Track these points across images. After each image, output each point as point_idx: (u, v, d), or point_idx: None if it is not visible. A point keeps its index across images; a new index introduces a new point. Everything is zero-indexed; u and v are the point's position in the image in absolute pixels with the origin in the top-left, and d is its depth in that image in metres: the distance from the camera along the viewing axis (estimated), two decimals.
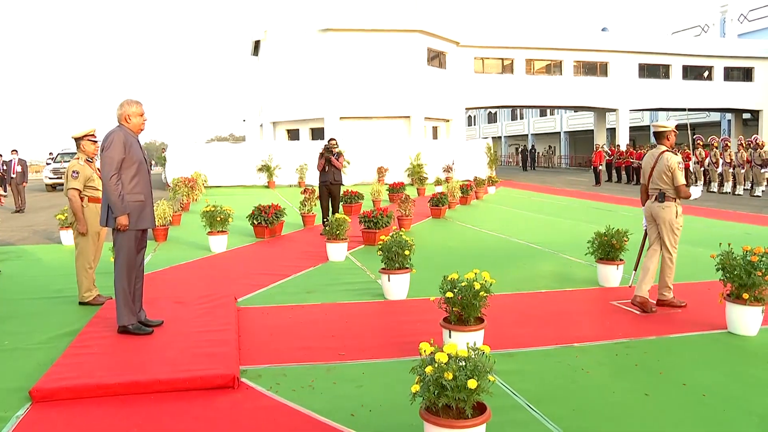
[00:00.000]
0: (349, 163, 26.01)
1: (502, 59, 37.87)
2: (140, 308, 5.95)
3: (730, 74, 41.53)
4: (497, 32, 37.34)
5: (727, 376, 4.96)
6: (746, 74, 41.69)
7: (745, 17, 43.91)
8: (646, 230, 7.22)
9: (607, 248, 7.87)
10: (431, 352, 3.37)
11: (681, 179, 6.80)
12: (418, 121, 32.47)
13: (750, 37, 42.93)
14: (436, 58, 34.33)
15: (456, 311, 5.03)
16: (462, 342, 4.66)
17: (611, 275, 7.95)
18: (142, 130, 5.95)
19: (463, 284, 4.96)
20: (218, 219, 11.11)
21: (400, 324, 6.32)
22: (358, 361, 5.24)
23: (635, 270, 7.46)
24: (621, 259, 7.99)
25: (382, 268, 7.37)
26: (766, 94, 41.33)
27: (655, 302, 6.93)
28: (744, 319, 5.94)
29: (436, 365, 3.26)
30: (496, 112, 71.41)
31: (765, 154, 20.98)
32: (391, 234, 7.43)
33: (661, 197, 6.88)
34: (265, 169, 26.47)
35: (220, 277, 8.72)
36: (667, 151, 6.96)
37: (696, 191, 7.07)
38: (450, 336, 5.00)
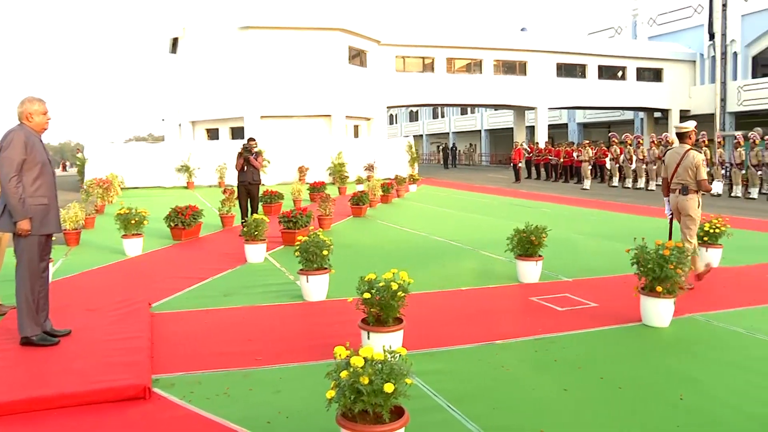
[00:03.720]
0: (269, 162, 25.74)
1: (423, 58, 38.15)
2: (45, 318, 5.64)
3: (642, 75, 43.14)
4: (418, 31, 37.59)
5: (642, 368, 5.08)
6: (656, 75, 43.41)
7: (654, 21, 45.71)
8: (671, 218, 8.20)
9: (526, 245, 7.96)
10: (347, 356, 3.28)
11: (704, 174, 7.73)
12: (339, 119, 32.35)
13: (659, 40, 44.71)
14: (357, 56, 34.30)
15: (374, 312, 4.96)
16: (381, 343, 4.60)
17: (530, 271, 8.06)
18: (45, 129, 5.63)
19: (380, 285, 4.89)
20: (133, 221, 10.74)
21: (319, 326, 6.22)
22: (276, 365, 5.11)
23: None
24: (540, 255, 8.11)
25: (301, 269, 7.24)
26: (674, 94, 43.14)
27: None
28: (657, 311, 6.11)
29: (352, 370, 3.17)
30: (417, 111, 72.01)
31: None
32: (309, 234, 7.31)
33: (684, 190, 7.79)
34: (185, 169, 25.85)
35: (134, 282, 8.40)
36: (692, 149, 7.85)
37: (717, 185, 7.64)
38: (368, 337, 4.93)
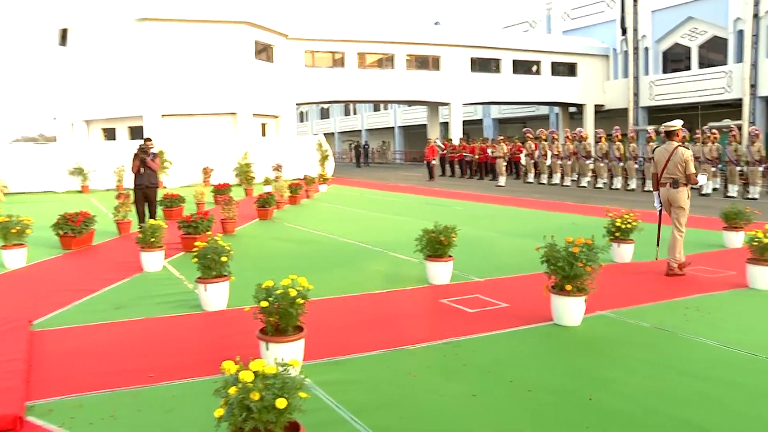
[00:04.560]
0: (171, 163, 25.12)
1: (333, 53, 38.06)
2: None
3: (557, 69, 44.38)
4: (327, 25, 37.46)
5: (553, 369, 5.18)
6: (570, 70, 44.76)
7: (568, 15, 47.14)
8: (660, 211, 9.23)
9: (436, 245, 8.00)
10: (236, 371, 3.17)
11: (692, 169, 8.72)
12: (245, 117, 31.84)
13: (573, 35, 46.17)
14: (264, 51, 33.85)
15: (273, 321, 4.85)
16: (281, 354, 4.51)
17: (440, 272, 8.11)
18: None
19: (278, 292, 4.79)
20: (14, 230, 10.21)
21: (218, 338, 6.06)
22: (170, 382, 4.94)
23: (657, 246, 9.54)
24: (450, 256, 8.16)
25: (199, 278, 7.05)
26: (588, 88, 44.61)
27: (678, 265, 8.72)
28: (568, 309, 6.25)
29: (241, 385, 3.07)
30: (328, 108, 71.85)
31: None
32: (207, 239, 7.11)
33: (675, 184, 8.73)
34: (78, 172, 24.88)
35: (14, 298, 7.96)
36: (680, 146, 8.79)
37: (702, 178, 9.94)
38: (267, 348, 4.82)
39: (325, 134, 38.98)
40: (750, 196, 20.60)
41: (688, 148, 8.92)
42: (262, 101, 33.12)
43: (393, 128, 62.21)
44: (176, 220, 12.91)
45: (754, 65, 34.99)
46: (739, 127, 28.28)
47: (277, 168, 27.16)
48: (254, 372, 3.11)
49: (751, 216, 10.90)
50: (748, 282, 7.97)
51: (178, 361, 5.42)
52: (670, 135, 8.96)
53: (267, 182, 22.57)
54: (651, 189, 22.64)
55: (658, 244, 9.55)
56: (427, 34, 40.91)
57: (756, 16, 34.72)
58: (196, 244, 7.11)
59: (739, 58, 35.86)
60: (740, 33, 35.84)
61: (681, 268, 8.75)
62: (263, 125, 34.75)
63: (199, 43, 30.77)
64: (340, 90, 38.30)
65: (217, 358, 5.33)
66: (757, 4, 34.62)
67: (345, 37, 37.49)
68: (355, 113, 68.34)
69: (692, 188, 9.05)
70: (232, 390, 3.08)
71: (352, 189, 26.10)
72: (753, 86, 35.04)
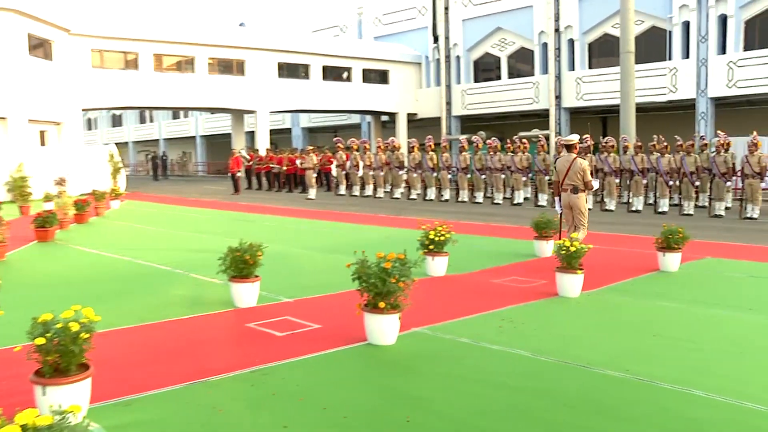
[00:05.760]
0: None
1: (126, 53, 36.46)
2: None
3: (368, 76, 45.49)
4: (118, 21, 35.76)
5: (368, 392, 5.24)
6: (382, 77, 46.08)
7: (380, 21, 48.55)
8: (561, 214, 11.24)
9: (241, 265, 7.85)
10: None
11: (589, 177, 10.91)
12: (18, 123, 29.64)
13: (385, 41, 47.58)
14: (40, 47, 31.76)
15: (51, 361, 4.49)
16: (62, 398, 4.19)
17: (246, 294, 7.96)
18: None
19: (58, 326, 4.44)
20: None
21: None
22: None
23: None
24: (256, 276, 8.03)
25: None
26: (400, 97, 46.15)
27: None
28: (381, 328, 6.36)
29: None
30: (121, 114, 68.94)
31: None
32: None
33: (575, 190, 10.77)
34: None
35: None
36: (578, 157, 10.94)
37: (596, 183, 12.53)
38: (44, 393, 4.43)
39: (117, 144, 37.16)
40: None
41: (584, 158, 11.39)
42: (40, 105, 31.03)
43: (194, 137, 60.83)
44: None
45: (558, 77, 38.12)
46: (547, 137, 30.47)
47: (61, 182, 25.51)
48: (22, 426, 2.82)
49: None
50: (558, 290, 8.58)
51: None
52: (569, 148, 11.01)
53: (48, 198, 21.15)
54: (466, 200, 24.12)
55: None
56: (231, 36, 40.41)
57: (557, 30, 37.94)
58: None
59: (545, 70, 38.86)
60: (545, 45, 38.86)
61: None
62: (42, 133, 32.57)
63: None
64: (134, 95, 36.77)
65: None
66: (557, 19, 37.85)
67: (139, 35, 36.06)
68: (151, 121, 66.10)
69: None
70: None
71: (150, 205, 25.17)
72: (558, 97, 38.16)
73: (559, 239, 10.40)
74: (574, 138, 11.20)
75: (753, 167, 18.24)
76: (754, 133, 19.04)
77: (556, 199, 11.28)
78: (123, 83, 35.99)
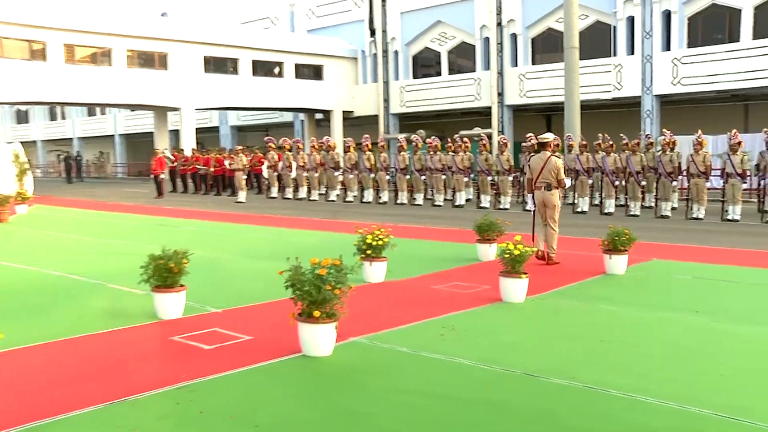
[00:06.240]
0: None
1: (31, 42, 35.31)
2: None
3: (301, 72, 45.19)
4: (21, 5, 34.63)
5: (304, 406, 5.23)
6: (316, 73, 45.87)
7: (314, 13, 48.31)
8: (533, 212, 11.79)
9: (164, 273, 7.74)
10: None
11: (563, 175, 11.55)
12: None
13: (319, 34, 47.34)
14: None
15: None
16: None
17: (170, 305, 7.86)
18: None
19: None
20: None
21: None
22: None
23: (533, 242, 11.28)
24: (182, 285, 7.93)
25: None
26: (336, 93, 46.01)
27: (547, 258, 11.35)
28: (317, 338, 6.34)
29: None
30: (27, 110, 67.24)
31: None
32: None
33: (548, 187, 11.38)
34: None
35: None
36: (552, 155, 11.55)
37: (568, 181, 13.70)
38: None
39: (23, 143, 36.22)
40: (502, 206, 22.49)
41: (559, 157, 12.12)
42: None
43: (113, 136, 59.69)
44: None
45: (501, 73, 38.46)
46: (489, 136, 30.87)
47: None
48: None
49: (503, 227, 11.88)
50: (502, 295, 8.69)
51: None
52: (543, 146, 11.66)
53: None
54: (405, 202, 24.28)
55: (533, 240, 11.38)
56: (153, 26, 39.63)
57: (499, 24, 38.29)
58: None
59: (487, 66, 39.20)
60: (486, 40, 39.21)
61: (549, 262, 11.32)
62: None
63: None
64: (42, 89, 35.71)
65: None
66: (499, 12, 38.20)
67: (47, 23, 34.87)
68: (63, 118, 64.56)
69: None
70: None
71: (63, 210, 24.66)
72: (500, 94, 38.48)
73: (533, 236, 11.59)
74: (549, 136, 11.78)
75: (698, 166, 18.83)
76: (699, 131, 19.64)
77: (529, 196, 11.98)
78: (29, 75, 34.72)
